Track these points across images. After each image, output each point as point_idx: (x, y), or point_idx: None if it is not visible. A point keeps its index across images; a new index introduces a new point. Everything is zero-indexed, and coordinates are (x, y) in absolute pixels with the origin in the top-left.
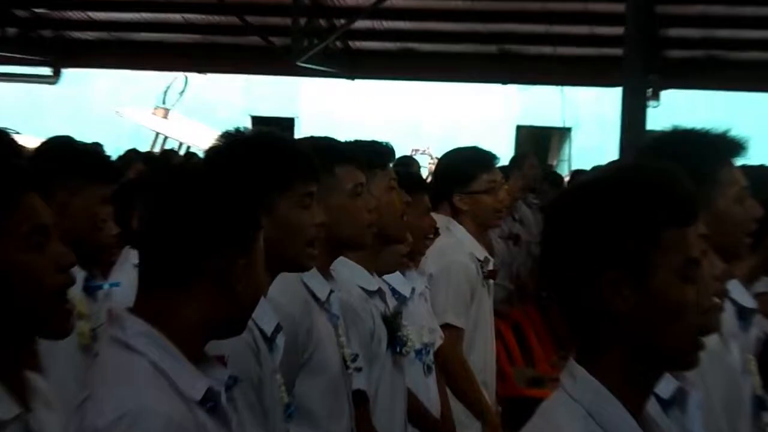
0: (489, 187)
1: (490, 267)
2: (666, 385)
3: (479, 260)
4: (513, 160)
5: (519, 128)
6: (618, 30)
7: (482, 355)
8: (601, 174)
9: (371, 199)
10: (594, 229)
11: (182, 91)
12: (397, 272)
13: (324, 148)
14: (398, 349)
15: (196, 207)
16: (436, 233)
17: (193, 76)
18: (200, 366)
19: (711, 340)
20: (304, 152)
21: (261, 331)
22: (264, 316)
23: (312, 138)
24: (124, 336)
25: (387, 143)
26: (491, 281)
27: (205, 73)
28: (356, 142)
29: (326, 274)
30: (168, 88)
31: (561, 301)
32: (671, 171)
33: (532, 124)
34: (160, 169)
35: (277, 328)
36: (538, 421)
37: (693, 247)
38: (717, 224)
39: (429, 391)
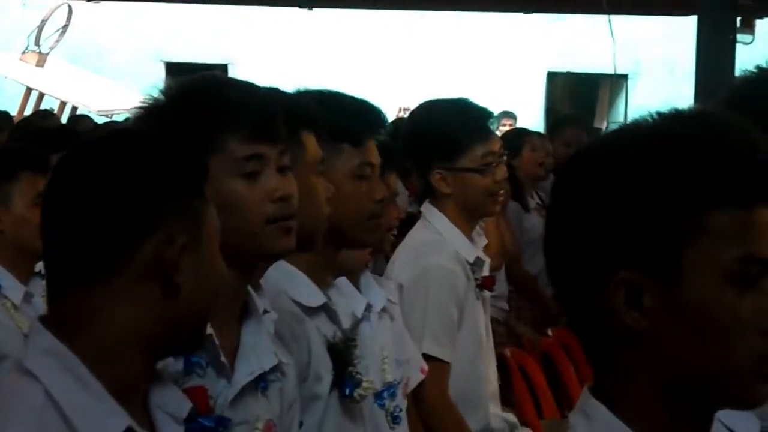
0: (483, 162)
1: (485, 272)
2: (747, 423)
3: (469, 263)
4: (550, 124)
5: (551, 76)
6: None
7: (480, 398)
8: (631, 125)
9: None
10: (604, 206)
11: (64, 27)
12: (346, 282)
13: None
14: (348, 392)
15: (106, 177)
16: (404, 226)
17: (79, 5)
18: (133, 398)
19: None
20: (251, 102)
21: None
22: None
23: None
24: (24, 354)
25: (378, 109)
26: (487, 293)
27: (97, 1)
28: (321, 93)
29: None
30: (43, 23)
31: (568, 312)
32: (737, 125)
33: (570, 70)
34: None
35: None
36: None
37: (760, 240)
38: None
39: None
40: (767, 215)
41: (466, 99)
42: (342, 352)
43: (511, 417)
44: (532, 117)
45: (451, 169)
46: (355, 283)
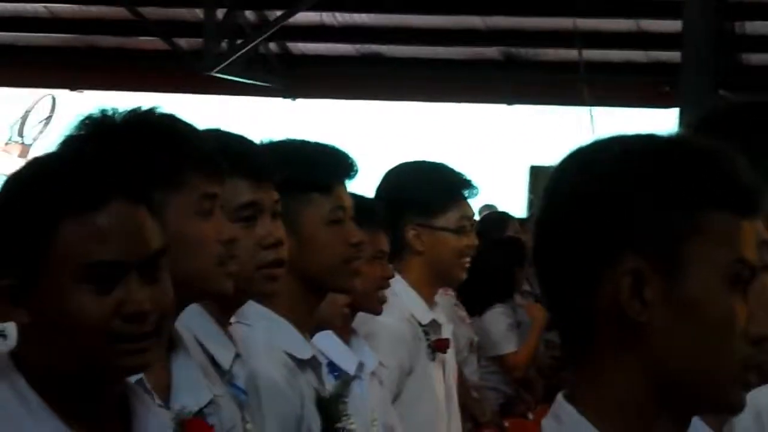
0: (459, 225)
1: (444, 335)
2: None
3: (421, 325)
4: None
5: (534, 170)
6: (673, 25)
7: None
8: (626, 137)
9: (267, 227)
10: (614, 197)
11: (48, 119)
12: (335, 338)
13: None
14: None
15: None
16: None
17: (63, 96)
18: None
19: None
20: (202, 138)
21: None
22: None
23: (219, 131)
24: None
25: (345, 153)
26: (445, 354)
27: (81, 91)
28: (282, 147)
29: (226, 331)
30: (27, 114)
31: (553, 302)
32: (728, 149)
33: (554, 164)
34: None
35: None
36: None
37: (748, 247)
38: None
39: None
40: (749, 225)
41: (444, 163)
42: (330, 407)
43: None
44: (514, 211)
45: (428, 227)
46: (347, 343)
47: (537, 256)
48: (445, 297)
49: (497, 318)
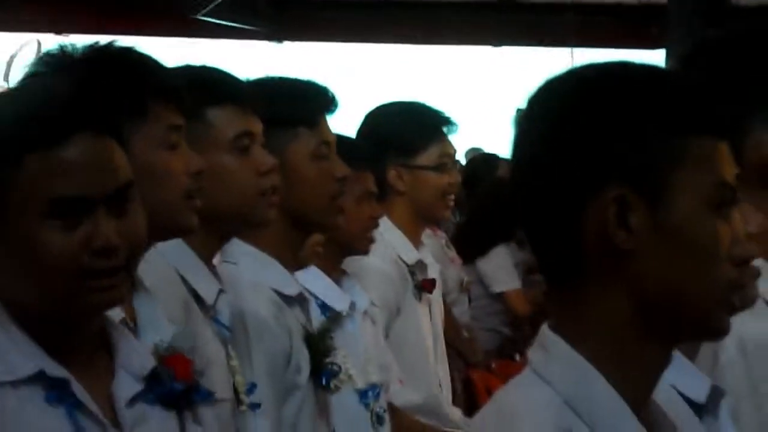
0: (440, 162)
1: (430, 275)
2: (698, 383)
3: (408, 265)
4: None
5: (520, 113)
6: None
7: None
8: (601, 65)
9: (265, 157)
10: (594, 126)
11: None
12: (325, 277)
13: (195, 81)
14: (324, 382)
15: None
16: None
17: (49, 40)
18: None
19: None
20: (165, 69)
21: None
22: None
23: (188, 67)
24: None
25: (326, 87)
26: (431, 295)
27: (66, 34)
28: (267, 81)
29: (211, 266)
30: (12, 58)
31: (536, 238)
32: (698, 76)
33: None
34: None
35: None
36: (490, 414)
37: (727, 169)
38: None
39: None
40: (725, 148)
41: (423, 102)
42: (318, 342)
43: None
44: (502, 154)
45: (408, 166)
46: (338, 282)
47: (517, 194)
48: (434, 237)
49: (500, 256)
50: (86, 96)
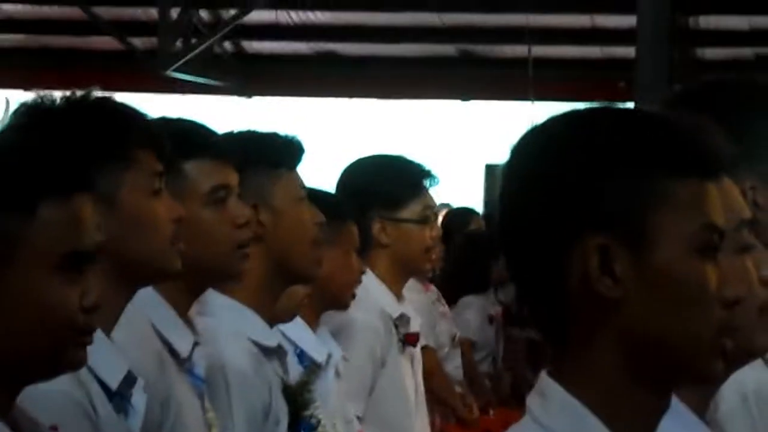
0: (423, 216)
1: (412, 329)
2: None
3: (392, 318)
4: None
5: (489, 168)
6: (627, 20)
7: None
8: (580, 111)
9: (241, 209)
10: (571, 172)
11: (1, 120)
12: (306, 327)
13: (171, 134)
14: None
15: None
16: None
17: (17, 96)
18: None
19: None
20: (142, 117)
21: (102, 384)
22: (105, 363)
23: (164, 119)
24: None
25: (294, 136)
26: (414, 348)
27: (35, 91)
28: (241, 133)
29: (186, 319)
30: None
31: (523, 288)
32: (684, 115)
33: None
34: None
35: (129, 380)
36: None
37: (714, 211)
38: None
39: None
40: (714, 189)
41: (404, 156)
42: (298, 396)
43: None
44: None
45: (393, 219)
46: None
47: (502, 242)
48: (425, 293)
49: (470, 307)
50: (77, 153)
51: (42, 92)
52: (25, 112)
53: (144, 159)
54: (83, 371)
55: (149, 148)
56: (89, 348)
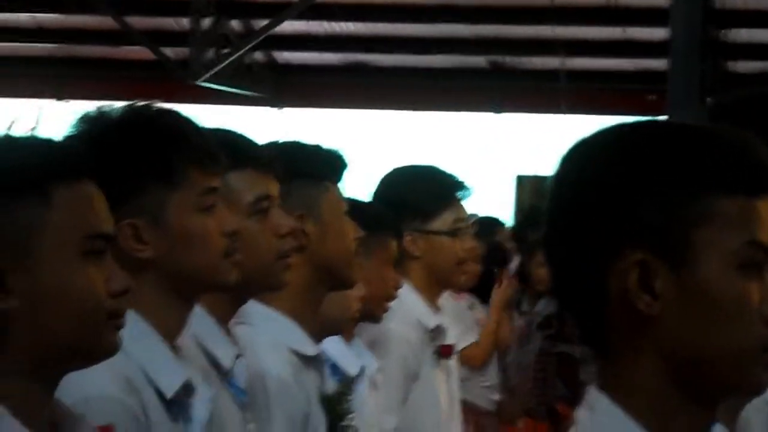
0: (454, 228)
1: (447, 340)
2: None
3: (428, 329)
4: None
5: (521, 180)
6: (660, 33)
7: None
8: (627, 125)
9: (284, 219)
10: (613, 186)
11: (33, 129)
12: (338, 340)
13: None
14: None
15: None
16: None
17: (49, 106)
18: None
19: None
20: (201, 133)
21: (158, 392)
22: (163, 370)
23: (220, 129)
24: None
25: (338, 150)
26: (448, 361)
27: (67, 101)
28: (285, 144)
29: (227, 329)
30: (12, 124)
31: (568, 303)
32: (734, 130)
33: (540, 174)
34: None
35: (188, 389)
36: None
37: (761, 228)
38: None
39: None
40: (763, 206)
41: (437, 166)
42: (335, 406)
43: None
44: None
45: (423, 232)
46: (348, 346)
47: (547, 253)
48: (459, 302)
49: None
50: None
51: (69, 105)
52: (85, 119)
53: (194, 176)
54: (139, 377)
55: (200, 165)
56: (148, 356)
